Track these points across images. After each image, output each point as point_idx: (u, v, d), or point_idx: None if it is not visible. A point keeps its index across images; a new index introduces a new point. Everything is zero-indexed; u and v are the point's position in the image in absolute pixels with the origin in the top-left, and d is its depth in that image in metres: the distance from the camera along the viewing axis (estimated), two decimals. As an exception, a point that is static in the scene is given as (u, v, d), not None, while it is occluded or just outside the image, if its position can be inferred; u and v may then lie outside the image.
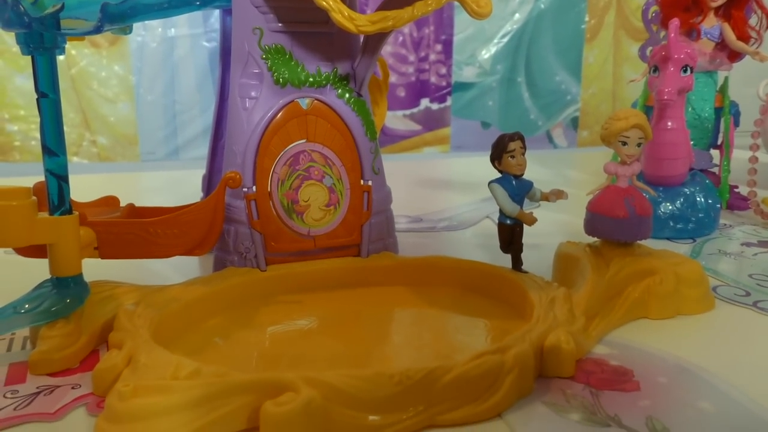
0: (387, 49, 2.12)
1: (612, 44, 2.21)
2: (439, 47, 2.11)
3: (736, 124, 0.86)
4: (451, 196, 0.95)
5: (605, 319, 0.44)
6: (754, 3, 0.86)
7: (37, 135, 1.84)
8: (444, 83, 2.13)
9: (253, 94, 0.50)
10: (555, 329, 0.38)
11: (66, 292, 0.41)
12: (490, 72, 2.16)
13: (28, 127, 1.78)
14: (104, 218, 0.45)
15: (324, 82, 0.51)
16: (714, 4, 0.85)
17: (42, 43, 0.38)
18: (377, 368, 0.31)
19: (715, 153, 0.86)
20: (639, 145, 0.47)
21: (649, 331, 0.45)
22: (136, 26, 2.03)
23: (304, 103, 0.50)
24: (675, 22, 0.60)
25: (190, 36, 1.91)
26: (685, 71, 0.61)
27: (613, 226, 0.47)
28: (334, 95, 0.51)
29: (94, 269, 0.44)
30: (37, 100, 0.39)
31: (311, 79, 0.50)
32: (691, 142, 0.82)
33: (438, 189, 1.02)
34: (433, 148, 2.12)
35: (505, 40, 2.16)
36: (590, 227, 0.49)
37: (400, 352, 0.43)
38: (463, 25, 2.11)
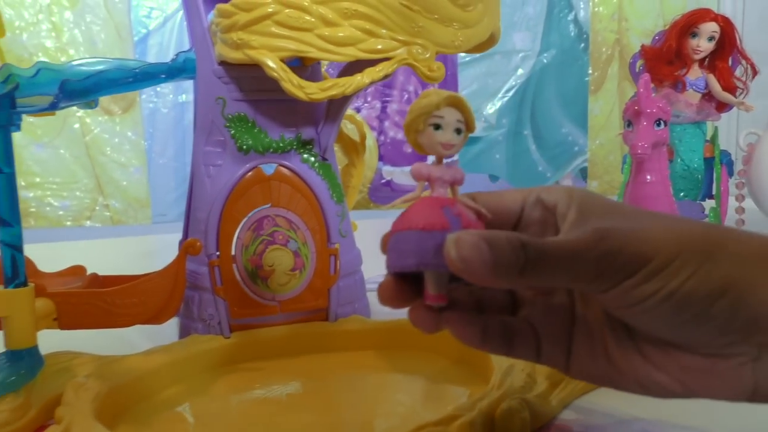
0: (393, 107, 2.16)
1: (617, 95, 2.22)
2: (444, 104, 2.15)
3: (729, 173, 0.85)
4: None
5: (570, 384, 0.42)
6: (739, 54, 0.86)
7: (53, 201, 1.88)
8: (450, 138, 2.16)
9: (217, 161, 0.51)
10: (509, 396, 0.37)
11: (19, 365, 0.40)
12: (496, 126, 2.18)
13: (43, 194, 1.83)
14: (64, 289, 0.45)
15: (288, 148, 0.52)
16: (697, 57, 0.85)
17: (-4, 121, 0.39)
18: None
19: (709, 203, 0.85)
20: (459, 132, 0.29)
21: (617, 397, 0.43)
22: (148, 93, 2.10)
23: (268, 168, 0.51)
24: (645, 77, 0.60)
25: (200, 101, 1.96)
26: (658, 125, 0.61)
27: (429, 243, 0.26)
28: (298, 160, 0.52)
29: (62, 338, 0.44)
30: (-8, 175, 0.40)
31: (274, 145, 0.51)
32: (682, 193, 0.81)
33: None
34: (441, 203, 2.13)
35: (510, 94, 2.19)
36: (394, 255, 0.28)
37: (361, 422, 0.42)
38: (467, 81, 2.15)
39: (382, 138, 2.16)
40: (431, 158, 0.30)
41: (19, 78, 0.44)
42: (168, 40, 1.84)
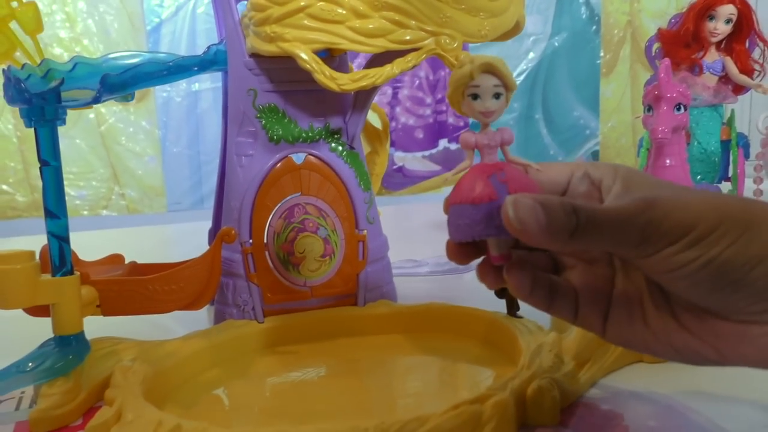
0: (404, 93, 2.16)
1: (629, 77, 2.21)
2: (455, 88, 2.15)
3: (746, 155, 0.86)
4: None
5: (597, 363, 0.44)
6: (756, 36, 0.87)
7: (70, 191, 1.90)
8: (462, 123, 2.16)
9: (249, 151, 0.52)
10: (539, 376, 0.38)
11: (67, 350, 0.42)
12: (507, 110, 2.18)
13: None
14: (106, 277, 0.47)
15: (317, 137, 0.53)
16: (714, 40, 0.85)
17: (43, 116, 0.40)
18: (351, 422, 0.32)
19: (726, 185, 0.85)
20: (497, 96, 0.29)
21: (643, 375, 0.44)
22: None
23: (298, 158, 0.52)
24: (665, 62, 0.60)
25: (213, 89, 1.98)
26: (678, 109, 0.61)
27: (479, 215, 0.28)
28: (326, 149, 0.53)
29: (101, 325, 0.46)
30: (40, 168, 0.42)
31: (304, 135, 0.52)
32: (699, 176, 0.82)
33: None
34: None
35: (521, 78, 2.18)
36: (452, 229, 0.30)
37: (392, 402, 0.44)
38: (478, 66, 2.15)
39: (393, 124, 2.16)
40: None
41: (59, 72, 0.45)
42: (181, 29, 1.85)
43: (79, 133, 1.91)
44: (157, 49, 1.87)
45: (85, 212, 2.01)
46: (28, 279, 0.41)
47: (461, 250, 0.31)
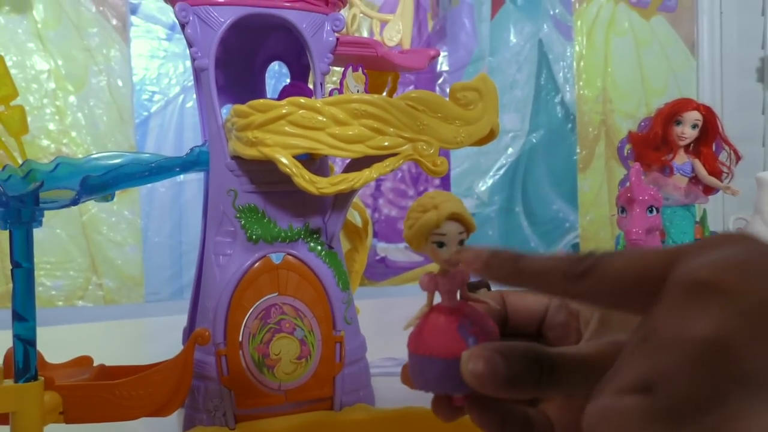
0: (387, 185, 2.21)
1: (605, 173, 2.29)
2: (437, 181, 2.20)
3: (720, 254, 0.87)
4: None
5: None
6: (722, 140, 0.90)
7: (46, 281, 1.85)
8: (443, 216, 2.19)
9: (227, 251, 0.52)
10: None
11: (24, 461, 0.40)
12: (488, 203, 2.22)
13: (37, 274, 1.82)
14: (71, 382, 0.45)
15: (295, 237, 0.53)
16: (682, 143, 0.89)
17: (19, 218, 0.40)
18: None
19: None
20: (461, 243, 0.30)
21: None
22: (146, 174, 2.11)
23: (277, 257, 0.52)
24: (636, 167, 0.63)
25: (197, 180, 2.00)
26: (650, 212, 0.63)
27: (451, 372, 0.27)
28: (305, 249, 0.53)
29: (65, 430, 0.44)
30: (12, 270, 0.41)
31: (283, 235, 0.53)
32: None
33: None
34: (436, 279, 2.13)
35: (501, 172, 2.24)
36: (420, 379, 0.29)
37: None
38: (459, 160, 2.21)
39: (376, 215, 2.19)
40: None
41: (40, 173, 0.46)
42: (169, 122, 1.89)
43: (59, 222, 1.90)
44: (145, 141, 1.90)
45: (60, 303, 1.97)
46: (-12, 386, 0.39)
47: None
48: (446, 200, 0.29)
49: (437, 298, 0.30)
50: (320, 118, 0.46)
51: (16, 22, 1.72)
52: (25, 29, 1.74)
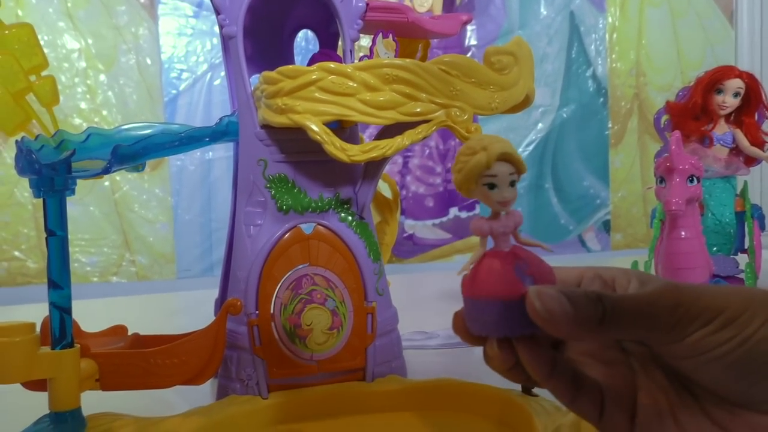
0: (414, 162, 2.19)
1: (637, 148, 2.23)
2: (465, 158, 2.17)
3: (762, 227, 0.84)
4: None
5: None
6: (765, 109, 0.87)
7: (81, 257, 1.89)
8: (471, 192, 2.17)
9: (257, 221, 0.52)
10: (559, 462, 0.36)
11: (62, 427, 0.41)
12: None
13: (72, 250, 1.86)
14: (107, 349, 0.46)
15: (326, 207, 0.52)
16: (723, 113, 0.86)
17: (52, 186, 0.40)
18: None
19: (742, 257, 0.83)
20: (513, 184, 0.29)
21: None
22: (176, 152, 2.14)
23: (307, 228, 0.52)
24: (676, 134, 0.60)
25: (226, 158, 2.01)
26: (691, 181, 0.61)
27: (510, 313, 0.27)
28: (336, 219, 0.53)
29: (101, 398, 0.45)
30: (46, 238, 0.41)
31: (313, 205, 0.52)
32: (714, 248, 0.80)
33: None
34: (465, 256, 2.12)
35: (530, 148, 2.21)
36: (478, 322, 0.28)
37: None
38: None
39: (404, 192, 2.17)
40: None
41: (72, 143, 0.46)
42: (197, 100, 1.90)
43: (93, 200, 1.94)
44: (174, 118, 1.92)
45: (95, 279, 2.01)
46: (26, 353, 0.40)
47: (476, 337, 0.29)
48: (495, 141, 0.28)
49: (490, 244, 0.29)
50: (351, 83, 0.45)
51: (46, 2, 1.73)
52: (56, 8, 1.76)
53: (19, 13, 1.69)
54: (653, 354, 0.28)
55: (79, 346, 0.42)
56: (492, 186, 0.28)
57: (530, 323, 0.26)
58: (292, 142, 0.51)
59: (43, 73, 0.48)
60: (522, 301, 0.26)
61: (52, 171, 0.40)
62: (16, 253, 1.81)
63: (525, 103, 0.51)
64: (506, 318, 0.27)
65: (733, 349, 0.24)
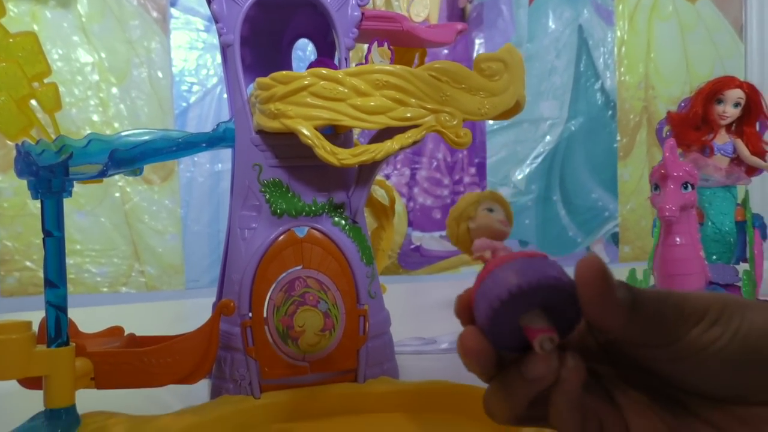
0: (422, 174, 2.20)
1: (646, 161, 2.23)
2: (473, 170, 2.18)
3: (763, 236, 0.84)
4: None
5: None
6: (766, 118, 0.87)
7: (92, 268, 1.92)
8: (479, 204, 2.17)
9: (252, 225, 0.53)
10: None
11: (57, 424, 0.42)
12: (524, 192, 2.19)
13: (83, 260, 1.89)
14: (102, 349, 0.47)
15: (320, 212, 0.53)
16: (723, 123, 0.86)
17: (50, 188, 0.42)
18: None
19: (742, 266, 0.83)
20: (491, 210, 0.32)
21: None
22: (186, 162, 2.18)
23: (301, 231, 0.53)
24: (670, 142, 0.61)
25: (235, 170, 2.02)
26: (685, 188, 0.61)
27: (535, 264, 0.26)
28: (329, 223, 0.54)
29: (96, 396, 0.45)
30: (43, 238, 0.43)
31: (307, 209, 0.53)
32: (714, 257, 0.80)
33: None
34: (471, 267, 2.12)
35: (539, 160, 2.21)
36: (495, 286, 0.26)
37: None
38: (495, 148, 2.18)
39: (411, 204, 2.18)
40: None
41: (72, 148, 0.47)
42: (207, 112, 1.93)
43: (104, 211, 1.96)
44: (185, 129, 1.95)
45: (105, 289, 2.04)
46: (22, 350, 0.41)
47: (486, 347, 0.27)
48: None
49: None
50: (342, 89, 0.46)
51: (61, 17, 1.77)
52: (70, 23, 1.80)
53: (35, 27, 1.72)
54: (628, 374, 0.28)
55: (74, 344, 0.43)
56: (491, 209, 0.31)
57: (559, 279, 0.25)
58: (287, 147, 0.52)
59: (46, 80, 0.49)
60: (545, 260, 0.26)
61: (50, 173, 0.41)
62: (28, 263, 1.84)
63: (516, 109, 0.52)
64: (537, 267, 0.25)
65: (727, 343, 0.25)
